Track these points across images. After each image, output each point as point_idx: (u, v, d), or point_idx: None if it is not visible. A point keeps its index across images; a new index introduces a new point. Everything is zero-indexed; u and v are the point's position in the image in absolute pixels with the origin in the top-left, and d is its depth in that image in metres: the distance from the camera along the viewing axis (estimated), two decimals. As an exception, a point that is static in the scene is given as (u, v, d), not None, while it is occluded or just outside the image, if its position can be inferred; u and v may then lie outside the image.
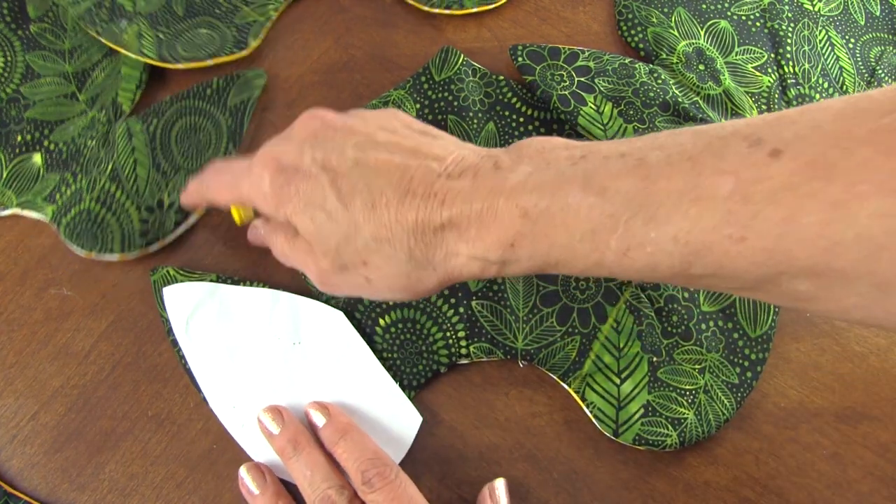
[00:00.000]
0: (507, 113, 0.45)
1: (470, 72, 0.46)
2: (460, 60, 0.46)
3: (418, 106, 0.45)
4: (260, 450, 0.38)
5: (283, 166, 0.32)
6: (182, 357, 0.40)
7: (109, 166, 0.43)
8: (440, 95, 0.45)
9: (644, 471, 0.39)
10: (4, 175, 0.44)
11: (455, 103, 0.45)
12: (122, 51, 0.45)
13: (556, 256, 0.29)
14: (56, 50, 0.47)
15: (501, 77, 0.46)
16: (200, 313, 0.40)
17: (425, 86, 0.46)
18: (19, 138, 0.44)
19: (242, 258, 0.43)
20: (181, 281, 0.41)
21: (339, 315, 0.40)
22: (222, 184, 0.37)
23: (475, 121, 0.44)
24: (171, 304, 0.40)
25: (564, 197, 0.28)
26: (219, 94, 0.46)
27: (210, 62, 0.46)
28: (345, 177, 0.31)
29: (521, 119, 0.45)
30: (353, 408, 0.38)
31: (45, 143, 0.45)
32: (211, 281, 0.41)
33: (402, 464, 0.38)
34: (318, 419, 0.37)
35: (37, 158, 0.44)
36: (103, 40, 0.46)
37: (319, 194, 0.32)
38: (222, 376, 0.39)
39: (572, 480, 0.39)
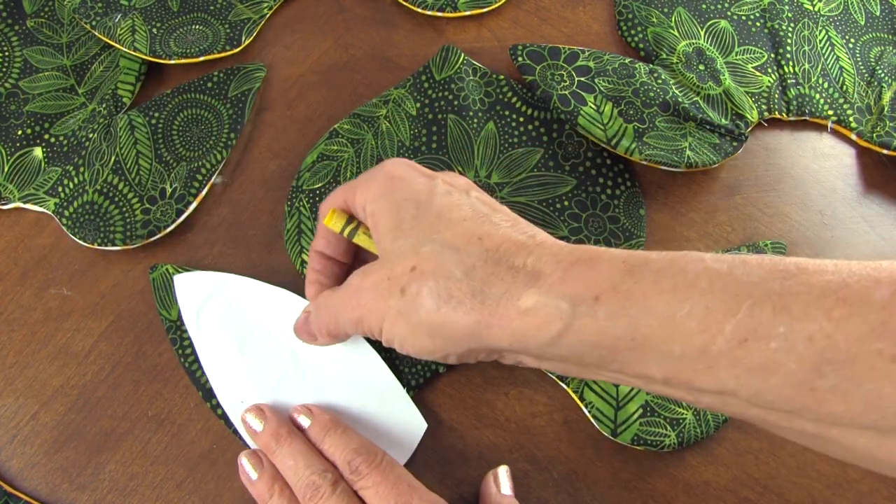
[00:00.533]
0: (507, 112, 0.45)
1: (470, 71, 0.46)
2: (461, 59, 0.46)
3: (418, 105, 0.45)
4: None
5: (394, 180, 0.33)
6: (182, 354, 0.40)
7: (112, 158, 0.43)
8: (440, 94, 0.45)
9: (644, 471, 0.39)
10: (6, 169, 0.44)
11: (455, 102, 0.45)
12: (115, 45, 0.45)
13: (646, 329, 0.25)
14: (53, 44, 0.47)
15: (502, 77, 0.46)
16: (211, 304, 0.40)
17: (426, 84, 0.46)
18: (20, 132, 0.45)
19: (242, 258, 0.43)
20: None
21: None
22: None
23: (475, 120, 0.44)
24: (183, 294, 0.40)
25: (682, 263, 0.25)
26: (220, 86, 0.46)
27: (202, 59, 0.46)
28: (443, 190, 0.31)
29: (521, 119, 0.45)
30: (359, 409, 0.38)
31: (46, 136, 0.45)
32: None
33: (402, 463, 0.38)
34: (304, 421, 0.37)
35: (38, 152, 0.44)
36: (97, 34, 0.46)
37: (415, 190, 0.31)
38: (231, 369, 0.39)
39: (572, 480, 0.39)
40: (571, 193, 0.44)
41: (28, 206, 0.43)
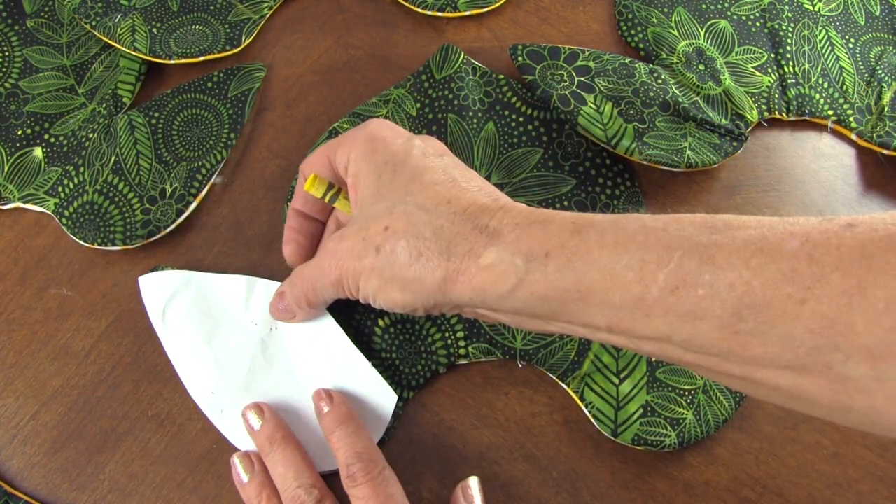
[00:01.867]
0: (506, 112, 0.45)
1: (470, 70, 0.46)
2: (460, 59, 0.46)
3: (418, 105, 0.45)
4: (241, 435, 0.38)
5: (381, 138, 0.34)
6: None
7: (112, 158, 0.43)
8: (440, 94, 0.45)
9: (644, 471, 0.39)
10: (6, 169, 0.44)
11: (455, 102, 0.45)
12: (115, 45, 0.45)
13: (589, 281, 0.27)
14: (53, 44, 0.47)
15: (501, 76, 0.46)
16: (177, 301, 0.40)
17: (426, 84, 0.46)
18: (20, 132, 0.45)
19: (242, 258, 0.43)
20: None
21: None
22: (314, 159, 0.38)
23: (475, 120, 0.44)
24: (148, 293, 0.40)
25: (623, 222, 0.27)
26: (220, 86, 0.46)
27: (202, 59, 0.46)
28: (422, 152, 0.33)
29: (521, 119, 0.45)
30: (330, 390, 0.38)
31: (46, 136, 0.45)
32: None
33: (402, 463, 0.38)
34: (323, 407, 0.37)
35: (37, 152, 0.44)
36: (97, 34, 0.46)
37: (394, 154, 0.33)
38: (200, 363, 0.39)
39: (572, 480, 0.39)
40: (571, 193, 0.44)
41: (28, 206, 0.43)
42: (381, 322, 0.40)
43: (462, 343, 0.40)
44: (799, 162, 0.47)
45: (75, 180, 0.43)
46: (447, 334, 0.40)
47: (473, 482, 0.36)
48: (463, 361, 0.40)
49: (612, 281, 0.26)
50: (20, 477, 0.38)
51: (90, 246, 0.41)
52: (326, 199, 0.37)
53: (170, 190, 0.43)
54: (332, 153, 0.37)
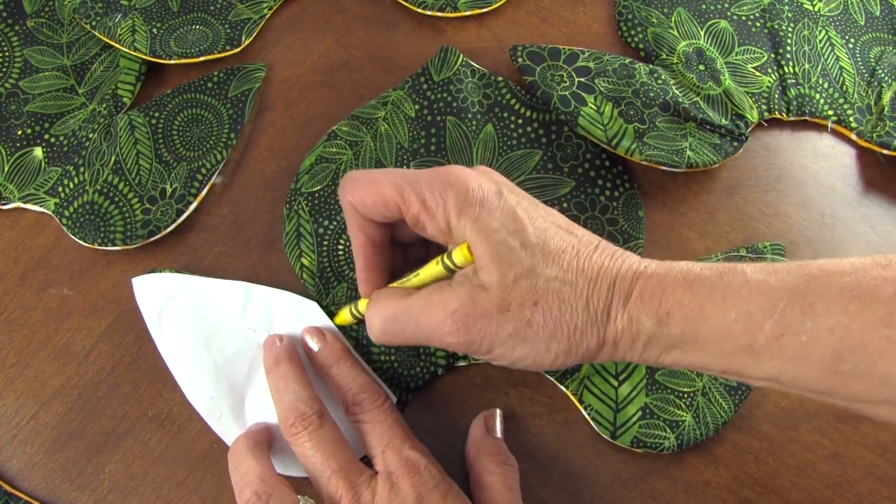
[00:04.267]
0: (505, 115, 0.45)
1: (469, 72, 0.46)
2: (459, 60, 0.46)
3: (417, 107, 0.45)
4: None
5: (483, 190, 0.33)
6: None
7: (112, 158, 0.43)
8: (439, 96, 0.45)
9: (644, 471, 0.39)
10: (6, 169, 0.44)
11: (454, 104, 0.45)
12: (115, 45, 0.45)
13: (705, 333, 0.30)
14: (54, 44, 0.47)
15: (500, 78, 0.46)
16: (173, 305, 0.40)
17: (424, 86, 0.46)
18: (20, 132, 0.45)
19: (242, 258, 0.43)
20: None
21: (314, 305, 0.40)
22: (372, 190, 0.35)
23: (474, 122, 0.44)
24: (142, 295, 0.40)
25: (730, 276, 0.30)
26: (220, 86, 0.46)
27: (202, 59, 0.46)
28: (539, 216, 0.33)
29: (520, 121, 0.45)
30: (326, 394, 0.38)
31: (46, 136, 0.45)
32: None
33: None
34: (314, 344, 0.38)
35: (38, 152, 0.44)
36: (97, 34, 0.46)
37: (516, 222, 0.32)
38: (198, 367, 0.39)
39: (572, 480, 0.39)
40: (570, 195, 0.44)
41: (28, 206, 0.43)
42: None
43: None
44: (799, 162, 0.47)
45: (75, 180, 0.43)
46: None
47: (497, 412, 0.39)
48: (462, 363, 0.40)
49: (723, 332, 0.29)
50: (20, 477, 0.38)
51: (90, 246, 0.42)
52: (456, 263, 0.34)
53: (170, 190, 0.43)
54: (413, 203, 0.34)
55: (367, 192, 0.34)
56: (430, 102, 0.45)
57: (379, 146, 0.45)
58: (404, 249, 0.39)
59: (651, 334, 0.31)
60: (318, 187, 0.43)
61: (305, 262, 0.42)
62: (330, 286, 0.41)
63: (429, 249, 0.39)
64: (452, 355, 0.40)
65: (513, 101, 0.46)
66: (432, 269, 0.34)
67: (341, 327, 0.40)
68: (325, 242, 0.42)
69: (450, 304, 0.32)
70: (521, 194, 0.35)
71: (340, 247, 0.42)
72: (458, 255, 0.32)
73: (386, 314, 0.34)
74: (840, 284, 0.27)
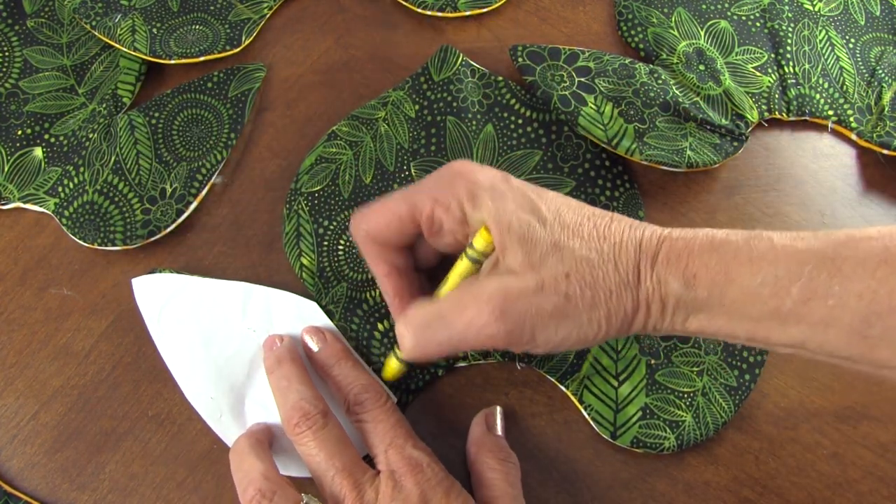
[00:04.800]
0: (505, 115, 0.45)
1: (469, 72, 0.46)
2: (459, 60, 0.46)
3: (417, 107, 0.45)
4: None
5: (493, 179, 0.33)
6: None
7: (112, 158, 0.43)
8: (439, 96, 0.45)
9: (644, 471, 0.39)
10: (6, 169, 0.44)
11: (454, 104, 0.45)
12: (115, 45, 0.45)
13: (732, 296, 0.30)
14: (53, 44, 0.47)
15: (500, 78, 0.46)
16: (173, 305, 0.40)
17: (424, 86, 0.46)
18: (20, 132, 0.45)
19: (242, 258, 0.43)
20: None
21: (313, 305, 0.40)
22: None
23: (474, 122, 0.44)
24: (142, 295, 0.40)
25: (757, 240, 0.30)
26: (220, 86, 0.46)
27: (202, 59, 0.46)
28: (551, 195, 0.33)
29: (520, 121, 0.45)
30: (326, 394, 0.38)
31: (46, 136, 0.45)
32: None
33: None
34: (314, 344, 0.38)
35: (37, 152, 0.44)
36: (97, 34, 0.46)
37: (530, 202, 0.32)
38: (198, 367, 0.39)
39: (572, 480, 0.39)
40: (571, 195, 0.43)
41: (28, 206, 0.43)
42: (380, 326, 0.40)
43: None
44: (799, 162, 0.47)
45: (75, 180, 0.43)
46: None
47: (498, 410, 0.39)
48: (462, 364, 0.40)
49: (750, 297, 0.29)
50: (20, 477, 0.38)
51: (90, 246, 0.42)
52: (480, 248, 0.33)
53: (170, 190, 0.43)
54: (425, 204, 0.34)
55: (379, 216, 0.35)
56: (430, 102, 0.45)
57: (379, 146, 0.45)
58: (428, 277, 0.38)
59: (679, 297, 0.31)
60: (318, 187, 0.43)
61: (305, 261, 0.42)
62: (329, 286, 0.41)
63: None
64: (452, 357, 0.40)
65: (513, 101, 0.46)
66: (458, 267, 0.34)
67: (344, 329, 0.40)
68: (325, 242, 0.42)
69: (482, 294, 0.31)
70: (524, 182, 0.35)
71: (340, 247, 0.42)
72: (479, 240, 0.32)
73: (416, 322, 0.33)
74: (867, 248, 0.27)
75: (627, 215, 0.43)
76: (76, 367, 0.40)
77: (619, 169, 0.45)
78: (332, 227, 0.42)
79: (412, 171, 0.44)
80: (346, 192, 0.43)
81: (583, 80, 0.45)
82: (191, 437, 0.39)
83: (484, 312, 0.31)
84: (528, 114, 0.45)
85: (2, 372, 0.40)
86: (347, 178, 0.44)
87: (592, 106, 0.44)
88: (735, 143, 0.44)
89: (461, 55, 0.46)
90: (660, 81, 0.45)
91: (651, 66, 0.47)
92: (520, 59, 0.46)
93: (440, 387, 0.40)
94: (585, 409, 0.39)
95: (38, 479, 0.38)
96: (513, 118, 0.45)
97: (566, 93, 0.44)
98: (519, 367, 0.40)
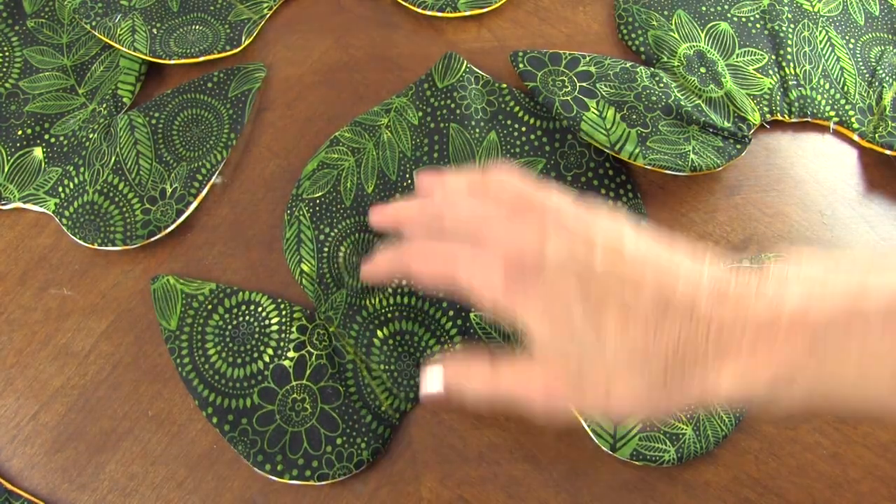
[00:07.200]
0: (509, 122, 0.45)
1: (473, 79, 0.46)
2: (463, 67, 0.46)
3: (420, 114, 0.45)
4: None
5: (523, 258, 0.29)
6: (180, 363, 0.39)
7: (112, 158, 0.43)
8: (442, 103, 0.45)
9: (644, 471, 0.39)
10: (6, 169, 0.44)
11: (457, 111, 0.45)
12: (115, 45, 0.45)
13: (842, 395, 0.26)
14: (54, 44, 0.47)
15: (504, 85, 0.46)
16: None
17: (428, 93, 0.46)
18: (20, 132, 0.45)
19: (242, 258, 0.43)
20: (182, 289, 0.41)
21: None
22: (435, 258, 0.32)
23: (477, 130, 0.44)
24: None
25: (862, 333, 0.26)
26: (220, 86, 0.46)
27: (202, 59, 0.46)
28: (595, 282, 0.28)
29: (524, 129, 0.45)
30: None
31: (46, 136, 0.45)
32: (210, 290, 0.41)
33: (402, 463, 0.38)
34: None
35: (38, 152, 0.44)
36: (97, 34, 0.46)
37: (564, 300, 0.29)
38: None
39: (572, 480, 0.39)
40: None
41: (28, 206, 0.43)
42: (379, 333, 0.40)
43: None
44: (799, 162, 0.47)
45: (75, 180, 0.43)
46: (446, 346, 0.40)
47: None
48: None
49: (865, 393, 0.26)
50: (20, 477, 0.38)
51: (90, 246, 0.41)
52: None
53: (170, 190, 0.43)
54: (457, 272, 0.31)
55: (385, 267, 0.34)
56: (434, 109, 0.45)
57: (381, 154, 0.44)
58: None
59: (766, 397, 0.27)
60: (320, 193, 0.43)
61: (305, 268, 0.42)
62: (329, 292, 0.41)
63: None
64: None
65: (516, 108, 0.46)
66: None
67: (344, 335, 0.39)
68: (326, 249, 0.42)
69: (532, 381, 0.30)
70: (572, 236, 0.30)
71: (340, 254, 0.42)
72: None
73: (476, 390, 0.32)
74: None
75: None
76: (76, 367, 0.40)
77: (622, 178, 0.44)
78: (332, 234, 0.42)
79: (415, 180, 0.44)
80: (348, 199, 0.43)
81: (584, 84, 0.45)
82: (191, 437, 0.39)
83: (531, 388, 0.30)
84: (531, 121, 0.45)
85: (2, 372, 0.40)
86: (349, 185, 0.44)
87: (595, 111, 0.44)
88: (738, 146, 0.44)
89: (465, 62, 0.46)
90: (661, 85, 0.45)
91: (652, 69, 0.46)
92: (521, 66, 0.46)
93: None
94: (585, 420, 0.39)
95: (38, 479, 0.38)
96: (516, 126, 0.45)
97: (568, 98, 0.44)
98: None
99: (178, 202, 0.43)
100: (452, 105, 0.45)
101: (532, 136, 0.45)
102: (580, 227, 0.30)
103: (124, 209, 0.42)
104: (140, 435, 0.39)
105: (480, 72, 0.47)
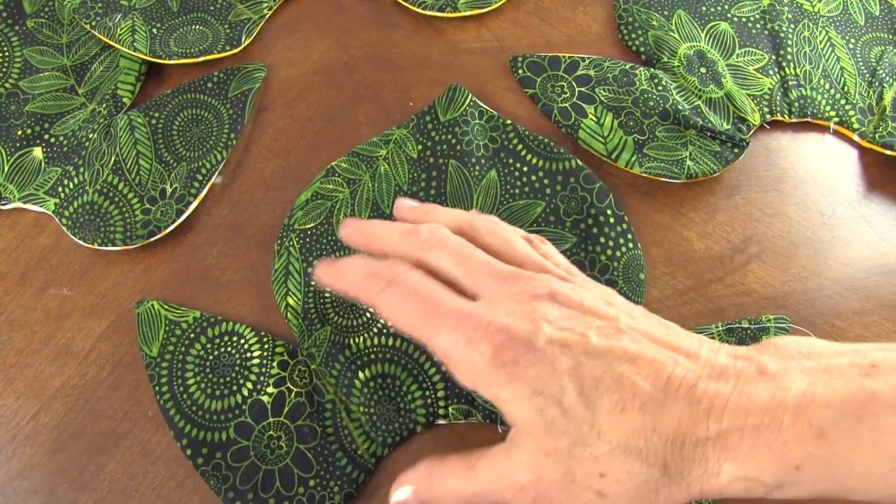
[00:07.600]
0: (510, 160, 0.44)
1: (476, 114, 0.45)
2: (467, 101, 0.45)
3: (420, 147, 0.44)
4: None
5: (512, 337, 0.27)
6: (158, 391, 0.39)
7: (112, 158, 0.43)
8: (443, 137, 0.44)
9: None
10: (6, 169, 0.44)
11: (458, 147, 0.44)
12: (115, 45, 0.45)
13: (852, 484, 0.25)
14: (53, 44, 0.47)
15: (509, 122, 0.45)
16: None
17: (429, 126, 0.45)
18: (20, 132, 0.45)
19: (242, 258, 0.43)
20: (165, 316, 0.40)
21: None
22: (407, 310, 0.30)
23: (477, 167, 0.43)
24: None
25: (873, 418, 0.25)
26: (220, 86, 0.46)
27: (202, 59, 0.46)
28: (588, 366, 0.27)
29: (525, 168, 0.44)
30: None
31: (46, 136, 0.45)
32: (194, 318, 0.40)
33: (402, 463, 0.38)
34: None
35: (37, 152, 0.44)
36: (97, 34, 0.46)
37: (555, 383, 0.27)
38: None
39: None
40: (570, 252, 0.42)
41: (28, 206, 0.43)
42: (361, 375, 0.39)
43: (441, 402, 0.38)
44: (799, 162, 0.47)
45: (75, 180, 0.43)
46: (427, 392, 0.39)
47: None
48: (442, 421, 0.39)
49: (878, 483, 0.25)
50: (20, 477, 0.38)
51: (90, 246, 0.42)
52: None
53: (170, 190, 0.43)
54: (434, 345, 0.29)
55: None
56: (434, 143, 0.44)
57: (377, 187, 0.43)
58: None
59: (771, 489, 0.26)
60: (312, 225, 0.42)
61: (291, 301, 0.41)
62: (313, 328, 0.40)
63: None
64: (432, 412, 0.38)
65: (519, 146, 0.44)
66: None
67: (324, 375, 0.39)
68: (313, 283, 0.41)
69: (516, 478, 0.28)
70: (567, 312, 0.28)
71: (328, 289, 0.41)
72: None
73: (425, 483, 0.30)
74: None
75: (627, 277, 0.41)
76: (76, 368, 0.40)
77: (622, 227, 0.42)
78: None
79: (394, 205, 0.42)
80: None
81: (583, 89, 0.45)
82: (191, 437, 0.39)
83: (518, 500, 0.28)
84: (534, 161, 0.44)
85: (2, 372, 0.40)
86: (343, 217, 0.43)
87: (592, 118, 0.44)
88: (736, 150, 0.44)
89: (470, 95, 0.45)
90: (660, 87, 0.45)
91: (652, 70, 0.46)
92: (520, 72, 0.46)
93: (418, 444, 0.39)
94: None
95: (38, 479, 0.38)
96: (518, 164, 0.44)
97: (566, 105, 0.44)
98: (500, 431, 0.39)
99: (178, 202, 0.43)
100: (453, 140, 0.44)
101: (533, 177, 0.44)
102: (573, 302, 0.29)
103: (124, 209, 0.42)
104: (140, 435, 0.39)
105: (485, 106, 0.46)
